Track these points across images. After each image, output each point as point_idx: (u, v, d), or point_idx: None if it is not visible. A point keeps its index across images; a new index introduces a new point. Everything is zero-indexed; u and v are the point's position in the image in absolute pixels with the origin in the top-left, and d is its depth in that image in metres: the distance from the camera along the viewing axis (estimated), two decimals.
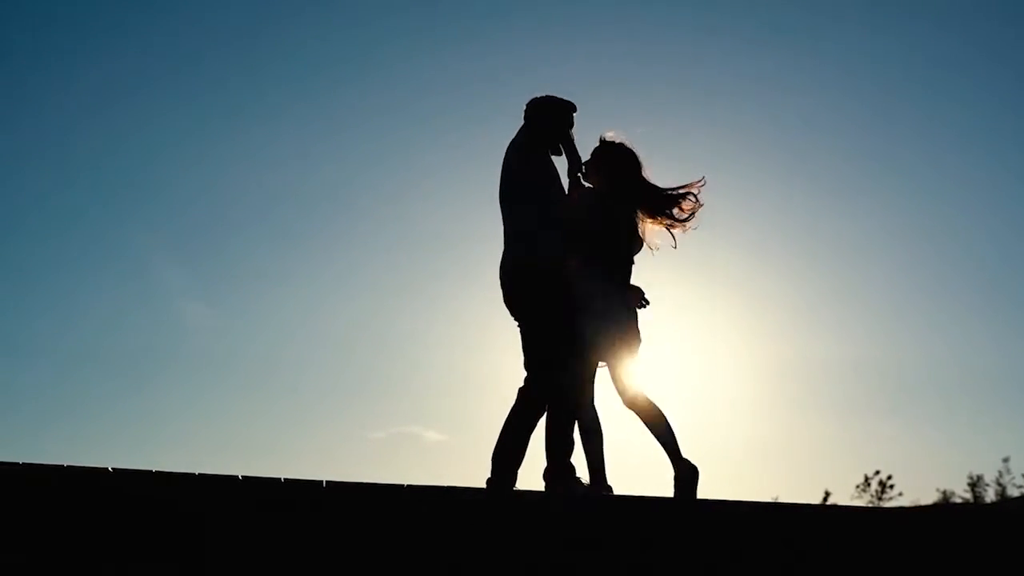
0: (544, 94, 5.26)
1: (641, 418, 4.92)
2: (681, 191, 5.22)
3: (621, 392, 4.96)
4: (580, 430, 5.00)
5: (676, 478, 4.81)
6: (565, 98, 5.25)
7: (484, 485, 4.80)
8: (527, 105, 5.26)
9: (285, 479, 3.88)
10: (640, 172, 5.25)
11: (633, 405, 4.93)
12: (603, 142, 5.31)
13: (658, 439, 4.89)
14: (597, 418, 5.04)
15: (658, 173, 5.31)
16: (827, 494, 31.02)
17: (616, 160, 5.26)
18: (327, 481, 3.86)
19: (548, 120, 5.20)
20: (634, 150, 5.28)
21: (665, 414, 4.90)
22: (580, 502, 4.55)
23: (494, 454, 4.88)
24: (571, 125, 5.26)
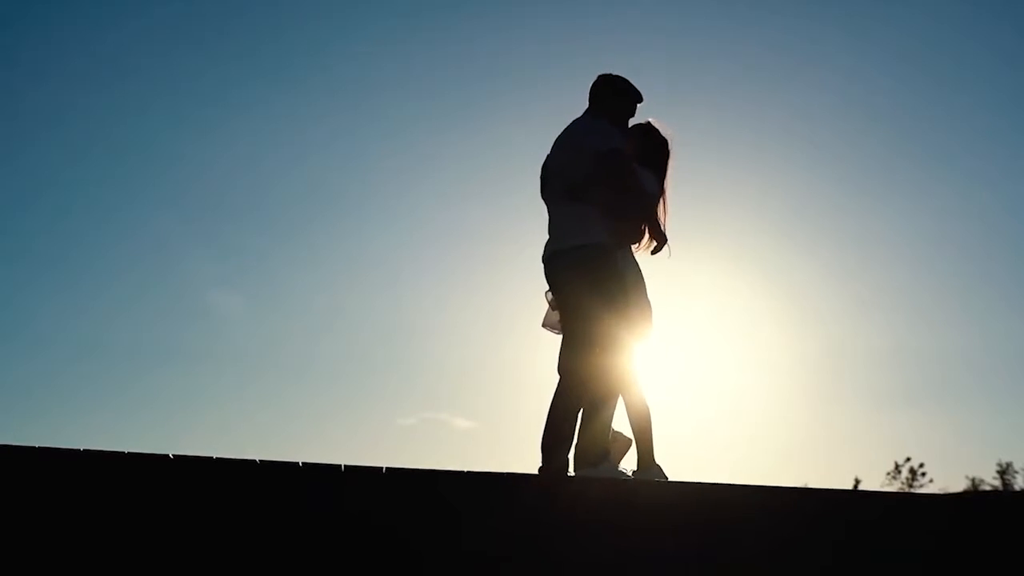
0: (617, 74, 5.19)
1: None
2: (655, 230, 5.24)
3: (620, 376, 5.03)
4: (628, 413, 5.04)
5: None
6: (636, 87, 5.20)
7: (535, 472, 4.84)
8: (599, 80, 5.18)
9: (345, 466, 3.93)
10: (665, 170, 5.28)
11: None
12: (648, 124, 5.32)
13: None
14: (645, 401, 5.06)
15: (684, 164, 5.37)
16: (857, 481, 30.92)
17: (651, 146, 5.29)
18: (387, 468, 3.91)
19: (617, 104, 5.16)
20: (671, 147, 5.30)
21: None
22: (617, 487, 4.58)
23: (542, 442, 4.90)
24: (633, 115, 5.24)
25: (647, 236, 5.24)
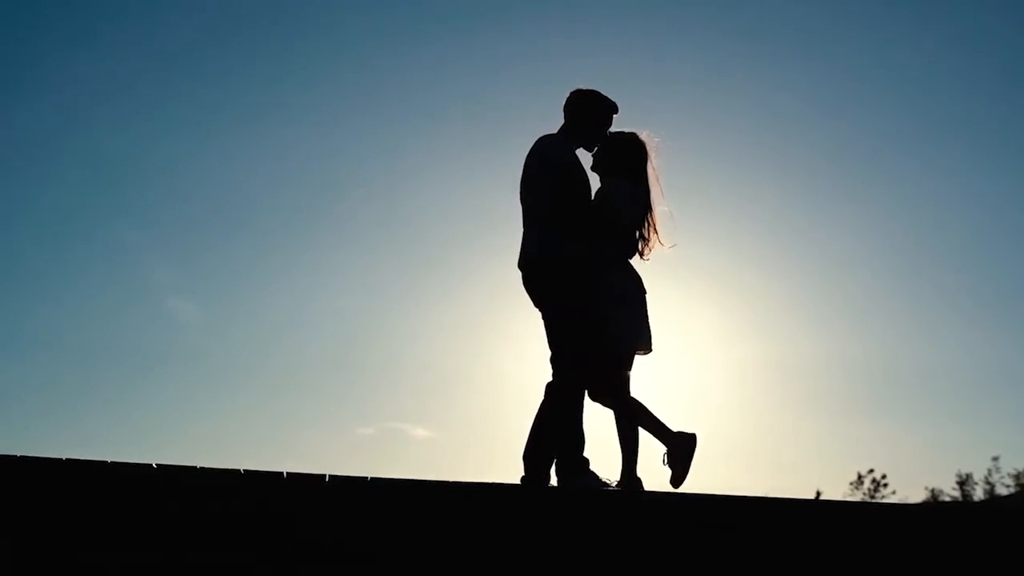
0: (588, 88, 5.27)
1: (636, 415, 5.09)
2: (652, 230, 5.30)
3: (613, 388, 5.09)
4: (617, 425, 5.07)
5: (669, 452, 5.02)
6: (608, 97, 5.26)
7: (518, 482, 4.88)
8: (571, 96, 5.26)
9: (330, 476, 3.97)
10: (645, 164, 5.29)
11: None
12: (622, 133, 5.35)
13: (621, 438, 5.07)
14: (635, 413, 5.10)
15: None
16: (818, 493, 31.15)
17: (625, 154, 5.31)
18: (372, 477, 3.96)
19: (591, 119, 5.23)
20: (645, 142, 5.32)
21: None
22: (592, 497, 4.63)
23: (525, 452, 4.93)
24: (609, 126, 5.28)
25: (649, 244, 5.29)
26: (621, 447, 5.07)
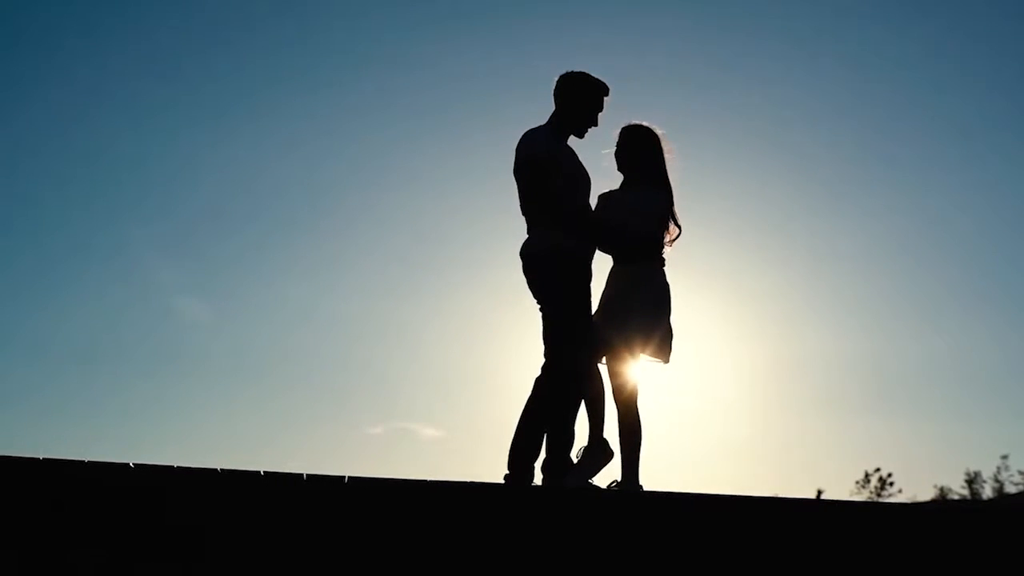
0: (578, 70, 5.18)
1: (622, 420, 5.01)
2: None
3: (621, 388, 5.02)
4: (619, 424, 5.01)
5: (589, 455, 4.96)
6: (599, 78, 5.16)
7: (502, 480, 4.83)
8: (560, 80, 5.16)
9: (308, 476, 3.92)
10: (662, 155, 5.23)
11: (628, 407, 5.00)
12: (627, 128, 5.28)
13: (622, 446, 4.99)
14: (638, 415, 5.03)
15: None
16: (819, 492, 31.00)
17: (640, 142, 5.26)
18: (349, 476, 3.91)
19: (580, 101, 5.12)
20: (658, 134, 5.26)
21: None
22: (575, 497, 4.57)
23: (511, 449, 4.87)
24: (601, 109, 5.18)
25: (667, 240, 5.23)
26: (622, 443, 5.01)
